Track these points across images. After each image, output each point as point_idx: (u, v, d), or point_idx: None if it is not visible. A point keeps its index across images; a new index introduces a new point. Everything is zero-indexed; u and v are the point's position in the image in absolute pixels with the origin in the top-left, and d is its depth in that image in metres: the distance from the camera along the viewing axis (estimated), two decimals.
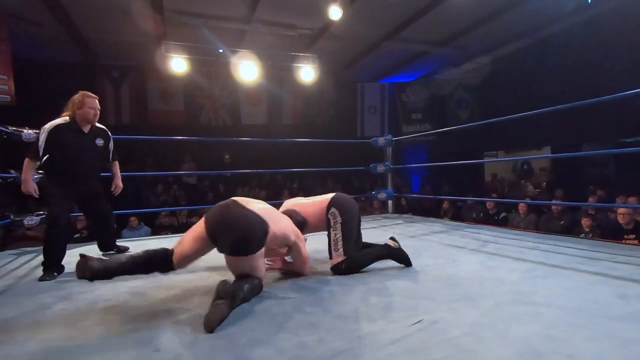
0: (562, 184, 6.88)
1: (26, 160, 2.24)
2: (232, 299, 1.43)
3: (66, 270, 2.22)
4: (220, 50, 5.98)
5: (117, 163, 2.75)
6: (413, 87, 9.78)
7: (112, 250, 2.70)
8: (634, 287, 1.67)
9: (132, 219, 5.22)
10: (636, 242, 3.54)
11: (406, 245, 2.67)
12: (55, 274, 2.14)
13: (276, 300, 1.64)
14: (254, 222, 1.62)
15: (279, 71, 7.69)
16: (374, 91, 9.80)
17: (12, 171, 2.93)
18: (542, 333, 1.23)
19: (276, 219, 1.77)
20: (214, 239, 1.64)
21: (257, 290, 1.62)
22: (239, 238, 1.57)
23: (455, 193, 8.13)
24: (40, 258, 2.58)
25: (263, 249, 1.65)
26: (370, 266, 2.06)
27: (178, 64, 5.66)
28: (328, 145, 7.22)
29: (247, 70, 5.98)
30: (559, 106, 2.89)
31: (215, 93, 8.38)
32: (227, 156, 8.60)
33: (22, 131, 2.94)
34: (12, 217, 2.89)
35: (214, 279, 1.99)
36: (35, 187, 2.26)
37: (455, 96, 9.48)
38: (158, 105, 7.96)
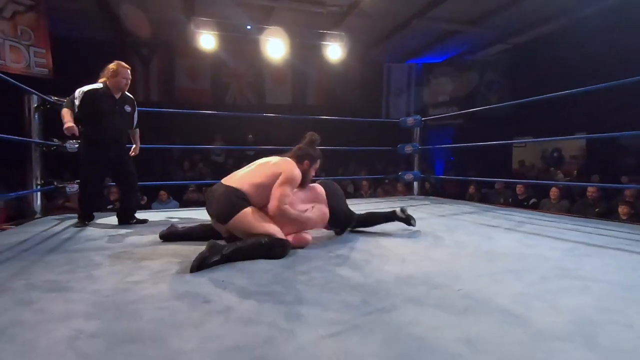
0: (598, 172, 6.59)
1: (64, 109, 2.49)
2: (212, 253, 1.63)
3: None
4: (248, 27, 5.92)
5: (138, 130, 2.95)
6: (441, 69, 9.48)
7: (132, 221, 2.76)
8: None
9: (162, 192, 5.38)
10: None
11: (436, 223, 2.66)
12: (86, 222, 2.62)
13: (315, 265, 1.66)
14: (227, 193, 1.87)
15: (305, 50, 7.59)
16: (400, 72, 9.56)
17: (54, 140, 3.04)
18: (594, 305, 1.20)
19: (254, 175, 1.95)
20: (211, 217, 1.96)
21: (258, 248, 1.74)
22: (215, 209, 1.89)
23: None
24: None
25: (249, 208, 1.83)
26: (403, 237, 2.07)
27: (207, 40, 5.65)
28: (352, 127, 7.15)
29: (273, 47, 5.92)
30: (594, 86, 2.72)
31: (241, 71, 8.39)
32: (250, 136, 8.67)
33: (64, 101, 3.03)
34: (55, 183, 3.01)
35: None
36: (75, 128, 2.45)
37: (485, 78, 9.12)
38: (185, 84, 8.05)
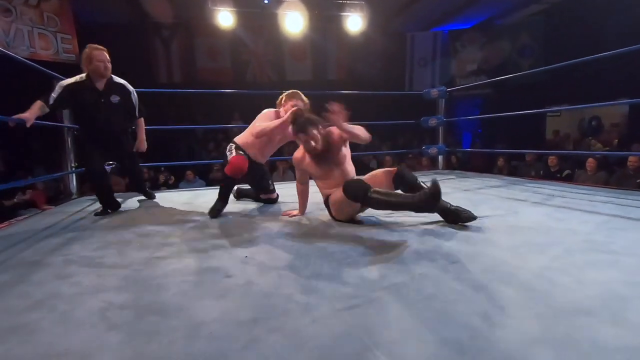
0: (637, 141, 6.14)
1: (37, 101, 2.18)
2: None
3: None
4: (266, 1, 5.80)
5: (142, 120, 2.68)
6: (469, 35, 8.95)
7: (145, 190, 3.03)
8: None
9: (189, 172, 5.54)
10: None
11: (460, 198, 2.59)
12: (109, 210, 2.47)
13: (335, 240, 1.68)
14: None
15: (323, 22, 7.38)
16: (424, 41, 9.12)
17: None
18: (622, 279, 1.15)
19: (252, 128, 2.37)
20: None
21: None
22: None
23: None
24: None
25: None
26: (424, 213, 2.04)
27: (224, 18, 5.60)
28: (374, 100, 6.97)
29: (292, 21, 5.78)
30: (636, 46, 2.46)
31: (260, 49, 8.31)
32: None
33: None
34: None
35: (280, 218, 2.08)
36: (32, 120, 2.10)
37: (517, 43, 8.55)
38: (206, 63, 8.08)
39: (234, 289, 1.17)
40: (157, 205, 2.77)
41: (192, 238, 1.79)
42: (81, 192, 3.40)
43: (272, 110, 2.43)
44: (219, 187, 2.41)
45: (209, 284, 1.22)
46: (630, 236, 1.59)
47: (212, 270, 1.34)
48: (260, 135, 2.28)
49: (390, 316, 0.97)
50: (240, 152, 2.32)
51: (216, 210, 2.28)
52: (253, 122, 2.41)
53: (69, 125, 3.09)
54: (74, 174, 3.24)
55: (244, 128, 2.52)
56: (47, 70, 2.71)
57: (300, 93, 2.41)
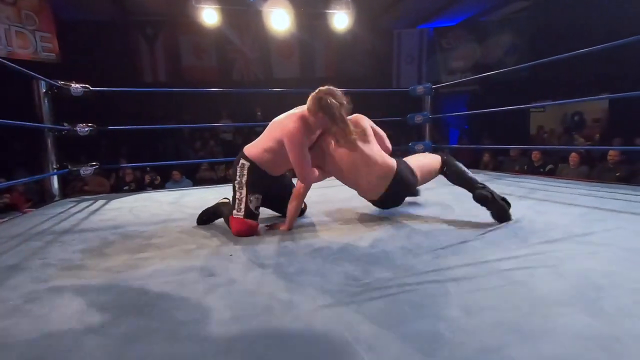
0: (621, 135, 6.30)
1: None
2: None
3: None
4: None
5: None
6: (455, 32, 9.04)
7: None
8: None
9: (175, 172, 5.47)
10: None
11: (445, 193, 2.61)
12: None
13: (321, 237, 1.68)
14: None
15: (310, 20, 7.37)
16: (411, 38, 9.18)
17: (64, 124, 3.10)
18: (600, 269, 1.17)
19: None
20: None
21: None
22: None
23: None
24: (98, 204, 2.81)
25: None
26: (411, 207, 2.05)
27: (209, 15, 5.54)
28: (362, 97, 6.98)
29: (278, 19, 5.75)
30: (611, 43, 2.52)
31: (247, 47, 8.25)
32: (259, 113, 8.62)
33: (70, 85, 3.07)
34: (69, 167, 3.09)
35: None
36: None
37: (502, 40, 8.67)
38: (191, 62, 7.99)
39: (217, 289, 1.16)
40: (141, 206, 2.73)
41: (176, 238, 1.77)
42: (64, 194, 3.33)
43: (296, 119, 1.79)
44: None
45: (191, 284, 1.20)
46: (608, 226, 1.63)
47: (195, 270, 1.33)
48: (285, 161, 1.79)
49: (372, 311, 0.97)
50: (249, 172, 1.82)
51: (202, 220, 2.02)
52: (268, 131, 1.86)
53: (49, 125, 3.02)
54: (55, 176, 3.16)
55: (232, 127, 2.45)
56: (26, 70, 2.64)
57: (336, 92, 1.78)
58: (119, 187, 5.33)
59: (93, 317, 1.00)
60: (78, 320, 0.98)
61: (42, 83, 2.97)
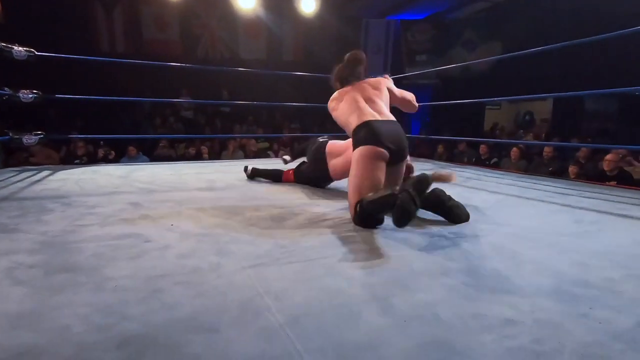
0: (560, 135, 6.87)
1: None
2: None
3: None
4: None
5: None
6: (420, 26, 9.29)
7: None
8: (592, 215, 1.80)
9: (131, 148, 5.31)
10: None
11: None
12: None
13: (265, 212, 1.77)
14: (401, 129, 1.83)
15: (278, 1, 7.27)
16: (379, 28, 9.31)
17: (5, 88, 2.94)
18: (492, 244, 1.36)
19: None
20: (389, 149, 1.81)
21: None
22: (400, 143, 1.78)
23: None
24: (42, 175, 2.73)
25: None
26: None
27: None
28: (328, 85, 7.06)
29: None
30: (544, 47, 2.78)
31: (213, 23, 8.01)
32: (225, 92, 8.46)
33: (13, 48, 2.90)
34: (10, 134, 2.95)
35: (203, 196, 2.14)
36: None
37: (463, 37, 9.03)
38: (153, 34, 7.66)
39: (150, 252, 1.23)
40: (89, 178, 2.68)
41: (120, 209, 1.80)
42: (5, 164, 3.18)
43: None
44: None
45: (125, 248, 1.26)
46: (516, 211, 1.87)
47: (132, 237, 1.39)
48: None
49: (288, 273, 1.09)
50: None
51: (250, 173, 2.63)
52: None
53: None
54: None
55: (193, 105, 2.45)
56: None
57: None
58: (70, 161, 5.10)
59: (22, 272, 1.05)
60: (6, 275, 1.03)
61: None
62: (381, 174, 1.64)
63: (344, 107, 1.86)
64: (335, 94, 1.98)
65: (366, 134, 1.68)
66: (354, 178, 1.64)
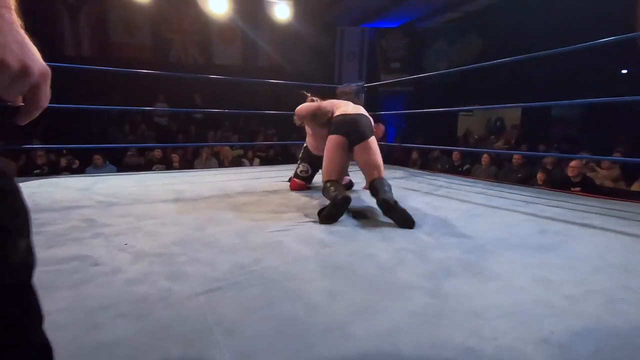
0: (529, 141, 7.10)
1: None
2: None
3: None
4: None
5: None
6: (394, 34, 9.44)
7: None
8: (557, 225, 1.83)
9: (97, 157, 5.08)
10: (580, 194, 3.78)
11: (360, 184, 2.77)
12: None
13: (226, 227, 1.70)
14: (365, 117, 2.34)
15: (254, 6, 7.21)
16: (354, 36, 9.40)
17: None
18: (458, 257, 1.35)
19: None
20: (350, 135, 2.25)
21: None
22: (359, 128, 2.23)
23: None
24: None
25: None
26: (312, 197, 2.14)
27: None
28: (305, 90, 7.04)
29: (216, 2, 5.55)
30: (522, 56, 2.85)
31: (185, 28, 7.84)
32: (197, 97, 8.28)
33: None
34: None
35: (166, 208, 2.03)
36: None
37: (434, 46, 9.25)
38: (121, 38, 7.41)
39: (96, 278, 1.14)
40: (45, 191, 2.51)
41: (72, 227, 1.67)
42: None
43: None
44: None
45: (68, 274, 1.16)
46: (483, 221, 1.87)
47: (79, 259, 1.28)
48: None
49: (246, 297, 1.03)
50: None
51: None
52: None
53: None
54: None
55: (168, 112, 2.37)
56: None
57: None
58: (29, 171, 4.82)
59: None
60: None
61: None
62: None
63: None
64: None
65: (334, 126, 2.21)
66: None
